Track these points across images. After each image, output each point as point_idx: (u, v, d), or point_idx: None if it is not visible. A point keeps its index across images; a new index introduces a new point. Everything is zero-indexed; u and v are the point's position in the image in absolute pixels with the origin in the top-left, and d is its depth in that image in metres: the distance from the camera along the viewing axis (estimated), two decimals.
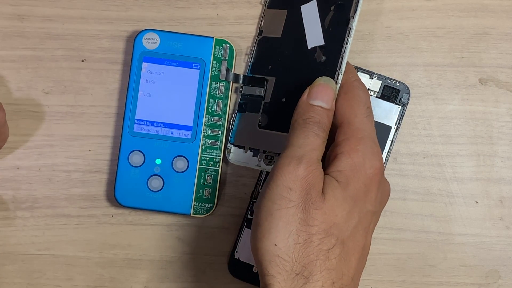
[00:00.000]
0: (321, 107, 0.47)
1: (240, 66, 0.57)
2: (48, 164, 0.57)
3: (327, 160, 0.47)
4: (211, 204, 0.56)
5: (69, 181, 0.57)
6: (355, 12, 0.50)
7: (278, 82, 0.54)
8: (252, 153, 0.55)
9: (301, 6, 0.53)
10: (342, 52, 0.50)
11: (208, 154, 0.56)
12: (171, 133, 0.56)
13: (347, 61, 0.49)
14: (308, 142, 0.45)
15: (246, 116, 0.55)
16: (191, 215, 0.56)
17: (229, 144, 0.56)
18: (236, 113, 0.56)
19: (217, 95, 0.56)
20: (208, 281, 0.57)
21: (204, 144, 0.56)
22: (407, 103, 0.56)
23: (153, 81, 0.56)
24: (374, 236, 0.50)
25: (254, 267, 0.56)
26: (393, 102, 0.56)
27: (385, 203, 0.49)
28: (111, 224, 0.57)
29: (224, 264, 0.57)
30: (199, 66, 0.56)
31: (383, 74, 0.56)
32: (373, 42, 0.57)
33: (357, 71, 0.55)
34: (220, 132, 0.56)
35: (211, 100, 0.56)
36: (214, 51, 0.56)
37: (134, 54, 0.56)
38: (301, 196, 0.44)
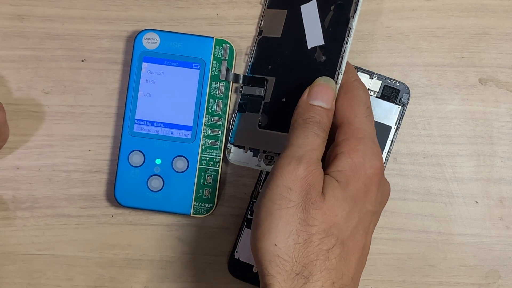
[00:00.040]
0: (321, 107, 0.47)
1: (240, 66, 0.57)
2: (48, 164, 0.57)
3: (327, 160, 0.47)
4: (211, 204, 0.56)
5: (69, 181, 0.57)
6: (355, 12, 0.50)
7: (278, 82, 0.54)
8: (252, 153, 0.55)
9: (301, 6, 0.53)
10: (342, 52, 0.50)
11: (208, 154, 0.56)
12: (171, 133, 0.56)
13: (347, 61, 0.49)
14: (308, 142, 0.45)
15: (246, 116, 0.55)
16: (191, 215, 0.56)
17: (229, 144, 0.56)
18: (236, 113, 0.56)
19: (217, 95, 0.56)
20: (208, 281, 0.57)
21: (204, 144, 0.56)
22: (407, 103, 0.56)
23: (153, 81, 0.56)
24: (374, 236, 0.50)
25: (254, 267, 0.56)
26: (393, 102, 0.56)
27: (385, 203, 0.49)
28: (111, 224, 0.57)
29: (224, 264, 0.57)
30: (199, 66, 0.56)
31: (383, 74, 0.56)
32: (373, 42, 0.57)
33: (357, 71, 0.55)
34: (220, 132, 0.56)
35: (211, 100, 0.56)
36: (214, 51, 0.56)
37: (134, 54, 0.56)
38: (301, 196, 0.44)
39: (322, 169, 0.45)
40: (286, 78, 0.53)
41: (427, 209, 0.57)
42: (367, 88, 0.53)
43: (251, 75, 0.56)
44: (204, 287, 0.57)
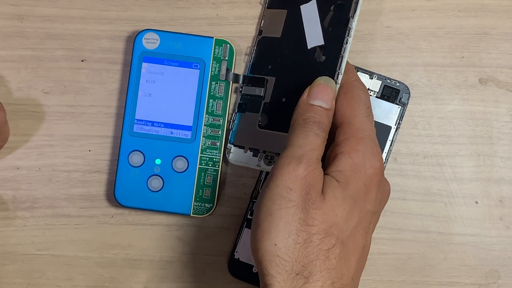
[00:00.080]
0: (321, 107, 0.47)
1: (240, 66, 0.57)
2: (48, 164, 0.57)
3: (327, 160, 0.47)
4: (211, 204, 0.56)
5: (69, 181, 0.57)
6: (355, 12, 0.50)
7: (278, 82, 0.54)
8: (252, 153, 0.55)
9: (301, 6, 0.53)
10: (342, 52, 0.49)
11: (208, 154, 0.56)
12: (171, 133, 0.56)
13: (347, 61, 0.49)
14: (308, 142, 0.45)
15: (246, 116, 0.55)
16: (191, 215, 0.56)
17: (229, 144, 0.56)
18: (236, 113, 0.56)
19: (217, 95, 0.56)
20: (208, 281, 0.57)
21: (204, 144, 0.56)
22: (407, 103, 0.56)
23: (153, 81, 0.56)
24: (374, 236, 0.50)
25: (254, 267, 0.56)
26: (393, 102, 0.56)
27: (385, 203, 0.49)
28: (111, 224, 0.57)
29: (224, 264, 0.57)
30: (199, 66, 0.56)
31: (383, 74, 0.56)
32: (373, 42, 0.57)
33: (357, 71, 0.55)
34: (220, 132, 0.56)
35: (211, 100, 0.56)
36: (214, 51, 0.56)
37: (134, 54, 0.56)
38: (301, 196, 0.44)
39: (322, 169, 0.45)
40: (286, 78, 0.53)
41: (427, 209, 0.57)
42: (367, 88, 0.53)
43: (251, 75, 0.56)
44: (204, 287, 0.57)
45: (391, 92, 0.56)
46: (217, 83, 0.56)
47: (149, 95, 0.56)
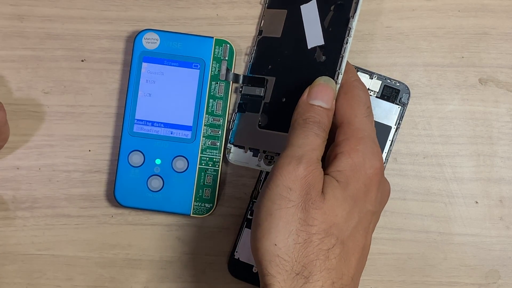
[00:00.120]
0: (321, 107, 0.47)
1: (240, 66, 0.57)
2: (48, 164, 0.57)
3: (327, 160, 0.47)
4: (211, 204, 0.56)
5: (69, 181, 0.57)
6: (355, 12, 0.50)
7: (278, 82, 0.54)
8: (252, 153, 0.55)
9: (301, 6, 0.53)
10: (342, 52, 0.49)
11: (208, 154, 0.56)
12: (171, 133, 0.56)
13: (347, 61, 0.49)
14: (308, 142, 0.45)
15: (246, 116, 0.55)
16: (191, 215, 0.56)
17: (229, 144, 0.56)
18: (236, 113, 0.56)
19: (217, 95, 0.56)
20: (208, 281, 0.57)
21: (204, 144, 0.56)
22: (407, 103, 0.56)
23: (153, 81, 0.56)
24: (374, 236, 0.50)
25: (254, 267, 0.56)
26: (393, 102, 0.56)
27: (385, 203, 0.49)
28: (111, 224, 0.57)
29: (224, 264, 0.57)
30: (199, 66, 0.56)
31: (383, 74, 0.56)
32: (373, 42, 0.57)
33: (357, 71, 0.55)
34: (220, 132, 0.56)
35: (211, 100, 0.56)
36: (214, 51, 0.56)
37: (134, 54, 0.56)
38: (301, 196, 0.44)
39: (322, 169, 0.45)
40: (286, 78, 0.53)
41: (427, 209, 0.57)
42: (367, 88, 0.53)
43: (251, 75, 0.56)
44: (204, 287, 0.57)
45: (391, 92, 0.56)
46: (217, 83, 0.56)
47: (149, 95, 0.56)
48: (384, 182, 0.48)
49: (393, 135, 0.56)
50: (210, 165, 0.56)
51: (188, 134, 0.56)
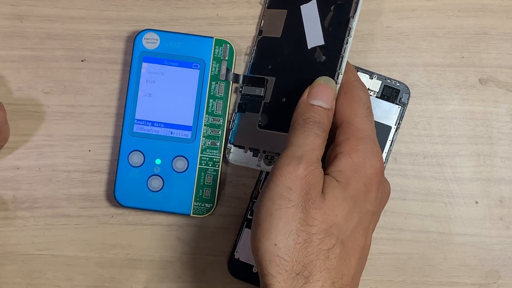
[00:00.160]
0: (321, 107, 0.47)
1: (240, 66, 0.57)
2: (48, 164, 0.57)
3: (327, 160, 0.47)
4: (211, 204, 0.56)
5: (69, 181, 0.57)
6: (355, 12, 0.50)
7: (278, 82, 0.54)
8: (252, 153, 0.55)
9: (301, 6, 0.53)
10: (342, 52, 0.49)
11: (208, 154, 0.56)
12: (171, 133, 0.56)
13: (347, 61, 0.49)
14: (308, 142, 0.45)
15: (246, 116, 0.55)
16: (191, 215, 0.56)
17: (229, 144, 0.56)
18: (236, 113, 0.56)
19: (217, 95, 0.56)
20: (208, 281, 0.57)
21: (204, 144, 0.56)
22: (407, 103, 0.56)
23: (153, 81, 0.56)
24: (374, 236, 0.50)
25: (254, 267, 0.56)
26: (393, 102, 0.56)
27: (385, 203, 0.49)
28: (111, 224, 0.57)
29: (224, 264, 0.57)
30: (199, 66, 0.56)
31: (383, 74, 0.56)
32: (373, 42, 0.57)
33: (357, 71, 0.55)
34: (220, 132, 0.56)
35: (211, 100, 0.56)
36: (214, 51, 0.56)
37: (134, 54, 0.56)
38: (301, 196, 0.44)
39: (322, 169, 0.45)
40: (286, 78, 0.53)
41: (427, 209, 0.57)
42: (367, 88, 0.53)
43: (251, 75, 0.56)
44: (204, 287, 0.57)
45: (391, 92, 0.56)
46: (217, 83, 0.56)
47: (149, 95, 0.56)
48: (384, 182, 0.48)
49: (393, 135, 0.56)
50: (210, 165, 0.56)
51: (188, 134, 0.56)
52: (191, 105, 0.56)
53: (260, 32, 0.56)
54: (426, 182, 0.57)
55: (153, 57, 0.56)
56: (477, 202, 0.57)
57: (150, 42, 0.56)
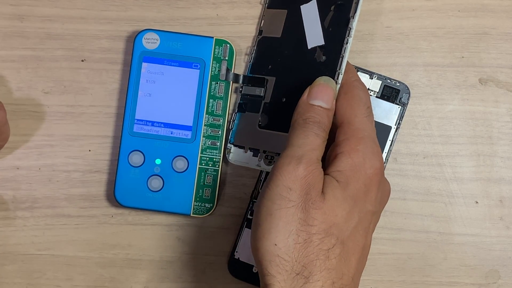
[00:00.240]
0: (321, 107, 0.47)
1: (240, 66, 0.57)
2: (48, 164, 0.57)
3: (327, 160, 0.47)
4: (211, 204, 0.56)
5: (69, 181, 0.57)
6: (355, 12, 0.50)
7: (278, 82, 0.54)
8: (252, 153, 0.55)
9: (301, 6, 0.53)
10: (342, 52, 0.50)
11: (208, 154, 0.56)
12: (171, 133, 0.56)
13: (347, 61, 0.49)
14: (308, 142, 0.45)
15: (246, 116, 0.55)
16: (191, 215, 0.56)
17: (229, 144, 0.56)
18: (236, 113, 0.56)
19: (217, 95, 0.56)
20: (208, 281, 0.57)
21: (204, 144, 0.56)
22: (407, 103, 0.56)
23: (153, 81, 0.56)
24: (374, 236, 0.50)
25: (254, 267, 0.56)
26: (393, 102, 0.56)
27: (385, 203, 0.49)
28: (111, 224, 0.57)
29: (224, 264, 0.57)
30: (199, 66, 0.56)
31: (383, 74, 0.56)
32: (373, 42, 0.57)
33: (357, 71, 0.55)
34: (220, 132, 0.56)
35: (211, 100, 0.56)
36: (214, 51, 0.56)
37: (134, 54, 0.56)
38: (301, 196, 0.44)
39: (322, 169, 0.45)
40: (286, 78, 0.53)
41: (427, 209, 0.57)
42: (367, 88, 0.53)
43: (251, 75, 0.56)
44: (204, 287, 0.57)
45: (391, 92, 0.56)
46: (217, 83, 0.56)
47: (149, 95, 0.56)
48: (384, 182, 0.48)
49: (393, 135, 0.56)
50: (210, 165, 0.56)
51: (188, 134, 0.56)
52: (191, 105, 0.56)
53: (260, 32, 0.56)
54: (426, 182, 0.57)
55: (153, 57, 0.56)
56: (477, 202, 0.57)
57: (150, 42, 0.56)
